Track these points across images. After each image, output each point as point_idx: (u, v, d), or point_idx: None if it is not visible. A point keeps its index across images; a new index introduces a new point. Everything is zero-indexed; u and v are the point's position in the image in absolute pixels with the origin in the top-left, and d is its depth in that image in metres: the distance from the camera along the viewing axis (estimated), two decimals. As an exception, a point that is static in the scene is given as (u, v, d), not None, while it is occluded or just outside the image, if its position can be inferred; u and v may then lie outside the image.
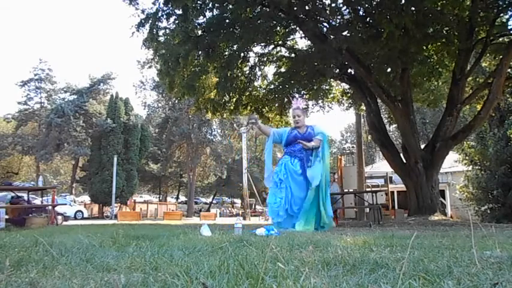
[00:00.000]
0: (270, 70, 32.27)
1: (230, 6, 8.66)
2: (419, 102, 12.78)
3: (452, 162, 16.95)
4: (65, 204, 19.68)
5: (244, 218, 23.10)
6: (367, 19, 8.69)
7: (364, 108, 11.57)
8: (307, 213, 4.70)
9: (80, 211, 24.19)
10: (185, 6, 8.17)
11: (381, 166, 20.92)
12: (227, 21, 9.26)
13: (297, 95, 11.04)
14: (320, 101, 12.88)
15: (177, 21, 8.98)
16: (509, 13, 9.23)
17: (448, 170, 19.20)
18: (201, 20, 9.50)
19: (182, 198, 44.92)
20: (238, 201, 47.48)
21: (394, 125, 16.02)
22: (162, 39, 9.56)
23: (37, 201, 11.79)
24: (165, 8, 8.87)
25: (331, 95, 13.10)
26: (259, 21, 9.50)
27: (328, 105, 13.18)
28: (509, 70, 9.52)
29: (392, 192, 18.60)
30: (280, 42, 11.20)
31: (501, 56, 9.02)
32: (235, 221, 4.11)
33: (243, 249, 2.06)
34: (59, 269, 1.53)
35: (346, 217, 13.51)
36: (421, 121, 28.14)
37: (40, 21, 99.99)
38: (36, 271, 1.49)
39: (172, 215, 21.75)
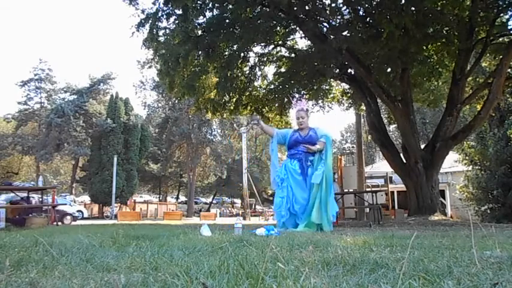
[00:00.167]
0: (270, 70, 32.33)
1: (230, 6, 8.66)
2: (419, 102, 12.78)
3: (452, 162, 16.95)
4: (65, 204, 19.67)
5: (244, 218, 23.10)
6: (367, 19, 8.69)
7: (364, 108, 11.57)
8: (309, 216, 4.70)
9: (80, 211, 24.18)
10: (185, 6, 8.17)
11: (381, 166, 20.91)
12: (227, 21, 9.26)
13: (297, 95, 11.04)
14: (320, 101, 12.89)
15: (177, 21, 8.98)
16: (509, 13, 9.24)
17: (448, 170, 19.20)
18: (201, 20, 9.51)
19: (182, 198, 44.91)
20: (238, 201, 47.46)
21: (394, 125, 16.01)
22: (162, 39, 9.55)
23: (34, 200, 11.77)
24: (165, 8, 8.87)
25: (331, 95, 13.11)
26: (259, 21, 9.50)
27: (328, 105, 13.19)
28: (509, 70, 9.52)
29: (392, 192, 18.61)
30: (280, 42, 11.19)
31: (501, 56, 9.03)
32: (235, 221, 4.12)
33: (243, 249, 2.06)
34: (59, 269, 1.53)
35: (346, 217, 13.49)
36: (421, 121, 28.15)
37: (40, 21, 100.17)
38: (36, 271, 1.49)
39: (172, 215, 21.75)
